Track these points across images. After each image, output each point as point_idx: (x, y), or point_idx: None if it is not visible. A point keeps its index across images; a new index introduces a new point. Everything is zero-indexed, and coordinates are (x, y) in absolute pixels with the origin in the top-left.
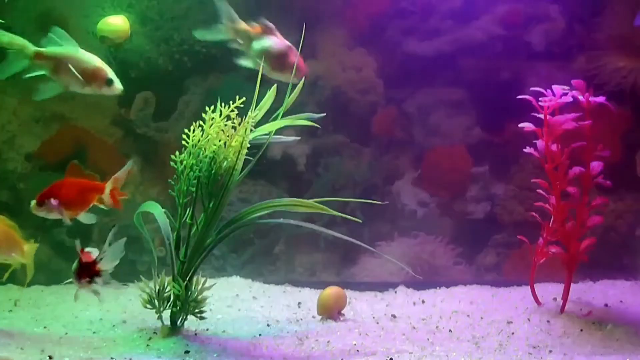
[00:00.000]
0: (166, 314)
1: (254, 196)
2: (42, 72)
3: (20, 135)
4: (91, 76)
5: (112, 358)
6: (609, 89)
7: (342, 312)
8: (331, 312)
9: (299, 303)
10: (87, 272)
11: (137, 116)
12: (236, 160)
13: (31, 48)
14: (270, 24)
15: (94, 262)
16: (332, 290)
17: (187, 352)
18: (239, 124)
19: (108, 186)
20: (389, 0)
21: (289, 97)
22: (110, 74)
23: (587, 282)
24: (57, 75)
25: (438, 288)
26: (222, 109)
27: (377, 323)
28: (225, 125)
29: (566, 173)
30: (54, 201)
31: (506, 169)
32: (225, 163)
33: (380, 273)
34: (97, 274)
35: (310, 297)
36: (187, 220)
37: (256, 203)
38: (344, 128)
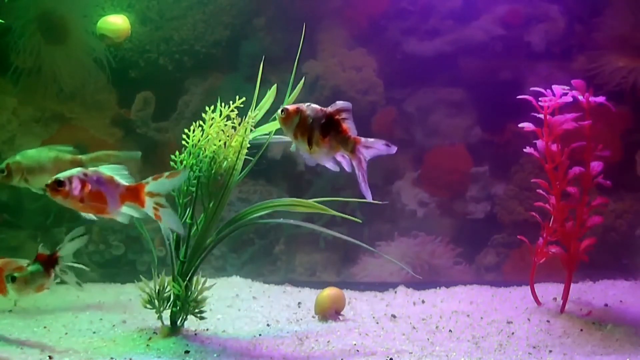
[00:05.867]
0: (166, 314)
1: (254, 196)
2: None
3: (20, 135)
4: None
5: (112, 358)
6: (609, 89)
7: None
8: (329, 313)
9: (299, 303)
10: (50, 263)
11: (137, 116)
12: (236, 160)
13: None
14: None
15: (54, 253)
16: (330, 292)
17: (187, 352)
18: (239, 124)
19: None
20: (389, 0)
21: (289, 97)
22: None
23: (587, 282)
24: None
25: (438, 288)
26: (222, 109)
27: (377, 323)
28: (225, 125)
29: (566, 173)
30: None
31: (506, 169)
32: (225, 163)
33: (380, 273)
34: (57, 261)
35: (310, 297)
36: (187, 220)
37: (256, 203)
38: None
